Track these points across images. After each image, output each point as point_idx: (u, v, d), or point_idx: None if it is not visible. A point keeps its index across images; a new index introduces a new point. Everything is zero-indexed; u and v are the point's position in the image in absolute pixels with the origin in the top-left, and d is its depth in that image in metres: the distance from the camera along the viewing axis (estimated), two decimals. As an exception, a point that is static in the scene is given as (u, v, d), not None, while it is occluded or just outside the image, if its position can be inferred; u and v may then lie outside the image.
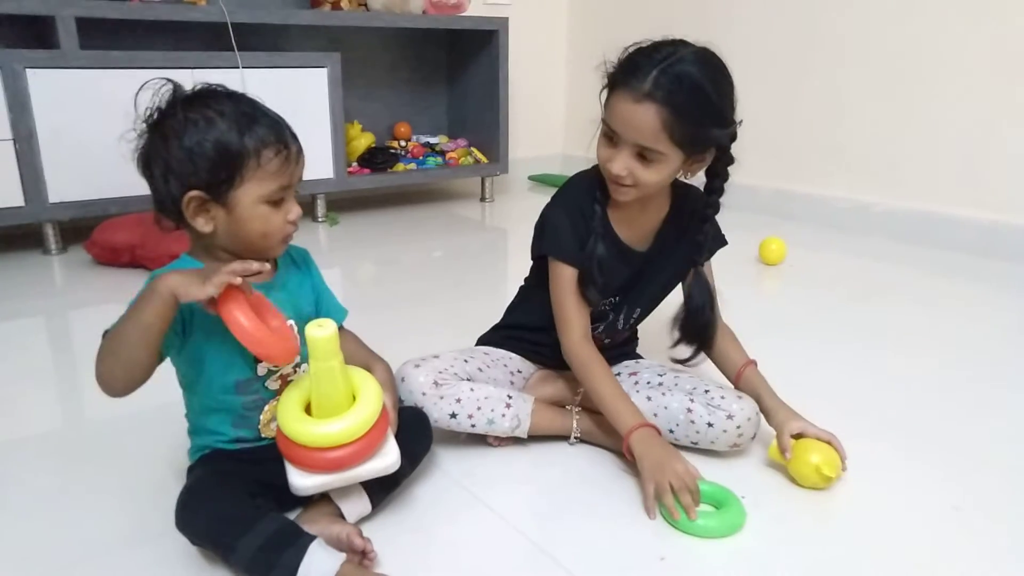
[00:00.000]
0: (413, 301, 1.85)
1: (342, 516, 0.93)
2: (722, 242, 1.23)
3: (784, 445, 1.08)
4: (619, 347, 1.29)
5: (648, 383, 1.21)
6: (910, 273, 2.20)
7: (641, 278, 1.20)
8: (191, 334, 0.89)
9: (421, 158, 3.03)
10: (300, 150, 0.92)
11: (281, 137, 0.89)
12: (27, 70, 2.07)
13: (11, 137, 2.08)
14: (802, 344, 1.64)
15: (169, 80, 0.89)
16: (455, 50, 3.23)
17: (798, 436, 1.09)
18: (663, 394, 1.15)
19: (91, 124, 2.16)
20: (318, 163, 2.63)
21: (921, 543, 0.96)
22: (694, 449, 1.14)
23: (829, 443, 1.07)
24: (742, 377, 1.18)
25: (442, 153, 3.10)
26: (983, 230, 2.34)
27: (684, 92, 0.98)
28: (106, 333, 0.84)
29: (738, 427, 1.10)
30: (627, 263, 1.18)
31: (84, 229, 2.23)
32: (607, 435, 1.14)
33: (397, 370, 1.11)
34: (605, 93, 1.05)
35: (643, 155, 1.03)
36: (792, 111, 2.84)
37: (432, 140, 3.19)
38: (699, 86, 0.99)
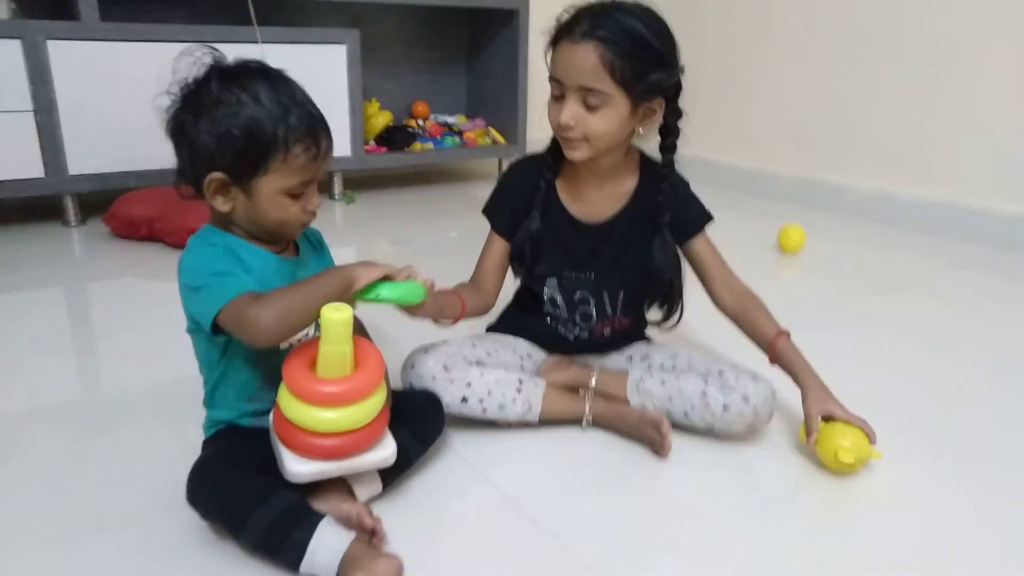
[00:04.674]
0: (444, 280, 1.84)
1: (353, 495, 0.93)
2: (707, 217, 1.22)
3: (810, 428, 1.07)
4: (624, 332, 1.26)
5: (661, 366, 1.20)
6: (934, 265, 2.17)
7: (609, 254, 1.18)
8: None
9: (439, 137, 3.02)
10: (330, 145, 0.90)
11: (313, 132, 0.87)
12: (48, 41, 2.06)
13: (32, 108, 2.09)
14: (818, 335, 1.60)
15: (213, 49, 0.87)
16: (475, 29, 3.20)
17: (828, 419, 1.08)
18: (677, 377, 1.14)
19: (111, 96, 2.16)
20: (335, 141, 2.60)
21: (937, 541, 0.94)
22: (711, 432, 1.13)
23: (860, 428, 1.06)
24: (775, 350, 1.16)
25: (459, 133, 3.08)
26: (1012, 223, 2.29)
27: (622, 31, 1.02)
28: (232, 302, 0.82)
29: (754, 408, 1.09)
30: (580, 237, 1.18)
31: (103, 202, 2.24)
32: (620, 420, 1.14)
33: (407, 357, 1.12)
34: (549, 54, 1.09)
35: (588, 102, 1.04)
36: (816, 97, 2.79)
37: (450, 120, 3.17)
38: (636, 27, 1.02)
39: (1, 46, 2.02)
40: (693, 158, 3.05)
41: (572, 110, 1.05)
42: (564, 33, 1.05)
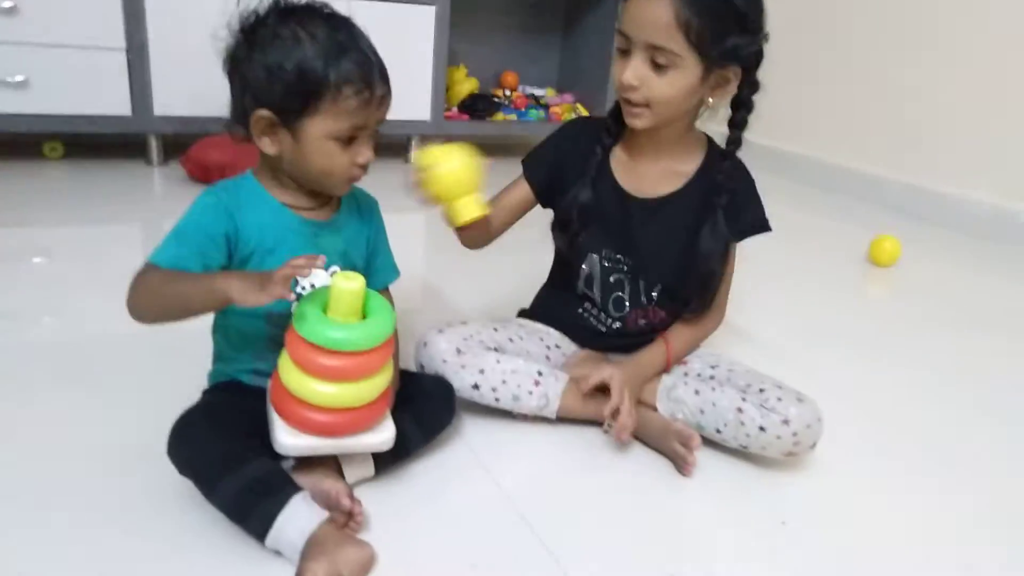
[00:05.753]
0: (491, 253, 1.77)
1: (341, 473, 0.88)
2: (764, 226, 1.10)
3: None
4: (662, 327, 1.14)
5: (699, 375, 1.10)
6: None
7: (652, 237, 1.07)
8: (241, 265, 0.86)
9: (523, 110, 2.93)
10: (386, 94, 0.85)
11: (367, 76, 0.83)
12: (145, -18, 2.11)
13: (124, 47, 2.14)
14: (893, 368, 1.45)
15: None
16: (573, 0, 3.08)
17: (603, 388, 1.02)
18: (713, 389, 1.04)
19: (200, 41, 2.18)
20: (415, 104, 2.58)
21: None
22: (743, 453, 1.03)
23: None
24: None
25: (546, 107, 2.99)
26: None
27: None
28: (148, 264, 0.82)
29: (794, 434, 0.98)
30: (625, 212, 1.08)
31: (187, 144, 2.28)
32: (644, 427, 1.05)
33: (420, 336, 1.06)
34: (622, 5, 0.98)
35: (656, 61, 0.94)
36: (937, 95, 2.53)
37: (538, 92, 3.08)
38: None
39: (102, -17, 2.07)
40: (788, 152, 2.85)
41: (637, 69, 0.96)
42: None
